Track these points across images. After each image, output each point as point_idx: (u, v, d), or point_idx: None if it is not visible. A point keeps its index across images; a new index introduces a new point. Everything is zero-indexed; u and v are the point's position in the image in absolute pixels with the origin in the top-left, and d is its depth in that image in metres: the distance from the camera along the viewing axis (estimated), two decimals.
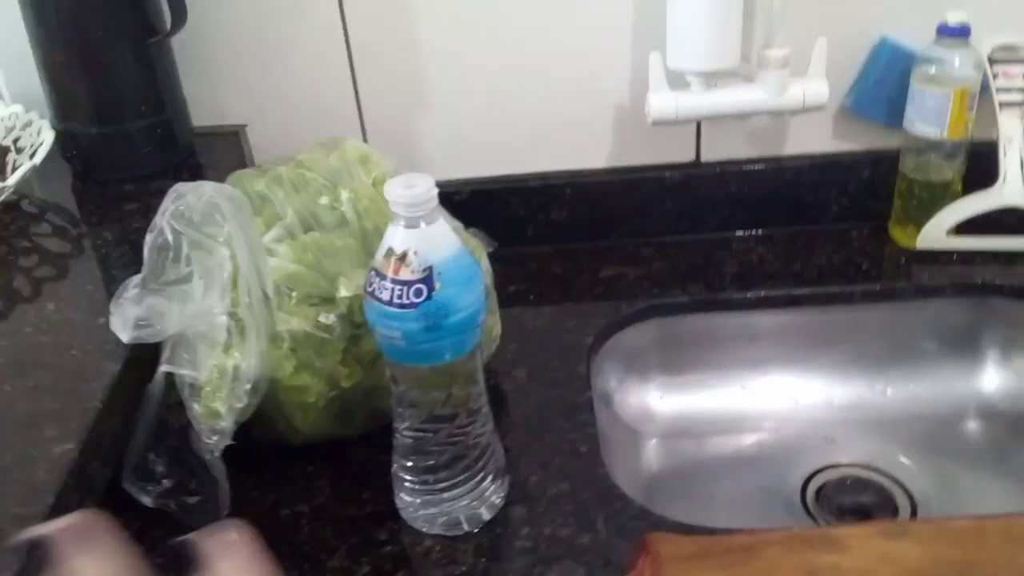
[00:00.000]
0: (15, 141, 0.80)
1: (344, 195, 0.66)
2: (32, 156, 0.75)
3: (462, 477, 0.63)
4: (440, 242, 0.56)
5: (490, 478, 0.64)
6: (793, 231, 0.96)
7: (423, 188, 0.54)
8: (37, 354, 0.59)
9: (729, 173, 0.94)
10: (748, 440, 0.89)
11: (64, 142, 0.80)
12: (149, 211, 0.62)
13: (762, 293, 0.89)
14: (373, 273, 0.57)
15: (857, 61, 0.88)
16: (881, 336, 0.91)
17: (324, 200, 0.66)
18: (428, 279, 0.55)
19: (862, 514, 0.82)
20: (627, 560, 0.62)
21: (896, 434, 0.88)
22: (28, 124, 0.80)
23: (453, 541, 0.64)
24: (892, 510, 0.82)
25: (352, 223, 0.65)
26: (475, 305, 0.58)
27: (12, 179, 0.72)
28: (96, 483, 0.53)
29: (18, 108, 0.81)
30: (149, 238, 0.56)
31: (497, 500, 0.66)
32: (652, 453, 0.88)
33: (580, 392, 0.77)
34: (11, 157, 0.78)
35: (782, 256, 0.93)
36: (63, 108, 0.79)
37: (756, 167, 0.94)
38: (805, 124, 0.91)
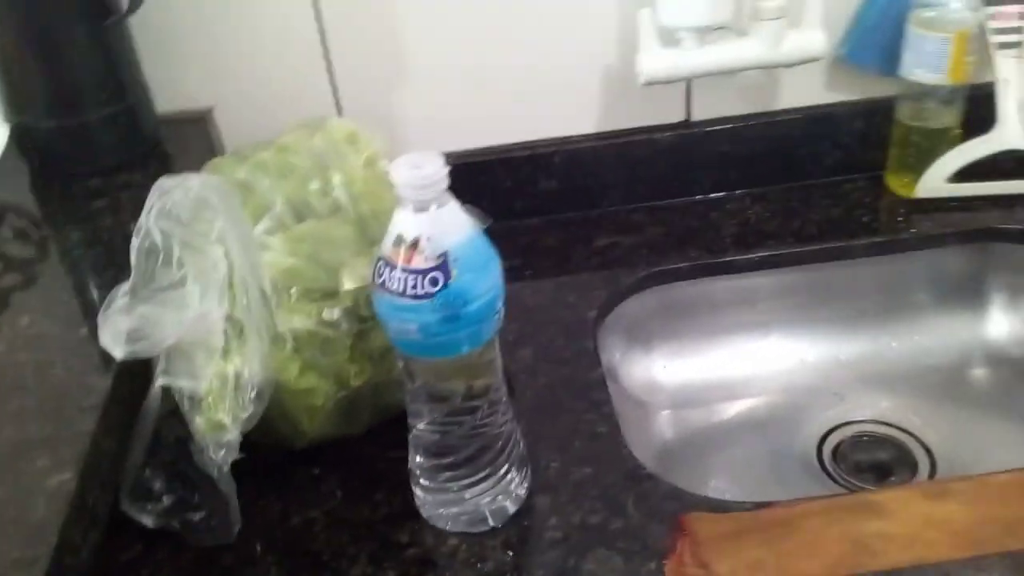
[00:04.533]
0: None
1: (336, 179, 0.61)
2: None
3: (486, 471, 0.60)
4: (454, 225, 0.52)
5: (514, 469, 0.61)
6: (788, 188, 0.93)
7: (432, 168, 0.50)
8: (17, 375, 0.54)
9: (720, 132, 0.90)
10: (759, 404, 0.87)
11: (20, 137, 0.74)
12: (118, 207, 0.57)
13: (762, 254, 0.86)
14: (382, 263, 0.53)
15: (850, 8, 0.85)
16: (883, 289, 0.89)
17: (314, 185, 0.61)
18: (444, 266, 0.51)
19: (881, 470, 0.81)
20: (665, 543, 0.60)
21: (906, 387, 0.86)
22: None
23: (479, 538, 0.61)
24: (911, 464, 0.80)
25: (347, 209, 0.61)
26: (494, 291, 0.54)
27: None
28: (99, 513, 0.49)
29: None
30: (135, 241, 0.51)
31: (521, 492, 0.63)
32: (663, 425, 0.86)
33: (590, 369, 0.74)
34: None
35: (779, 214, 0.90)
36: (17, 100, 0.73)
37: (748, 124, 0.90)
38: (798, 77, 0.88)
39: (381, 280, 0.53)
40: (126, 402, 0.54)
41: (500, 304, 0.55)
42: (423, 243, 0.51)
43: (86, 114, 0.73)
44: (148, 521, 0.59)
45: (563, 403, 0.71)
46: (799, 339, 0.90)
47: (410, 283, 0.51)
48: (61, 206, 0.73)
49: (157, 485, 0.59)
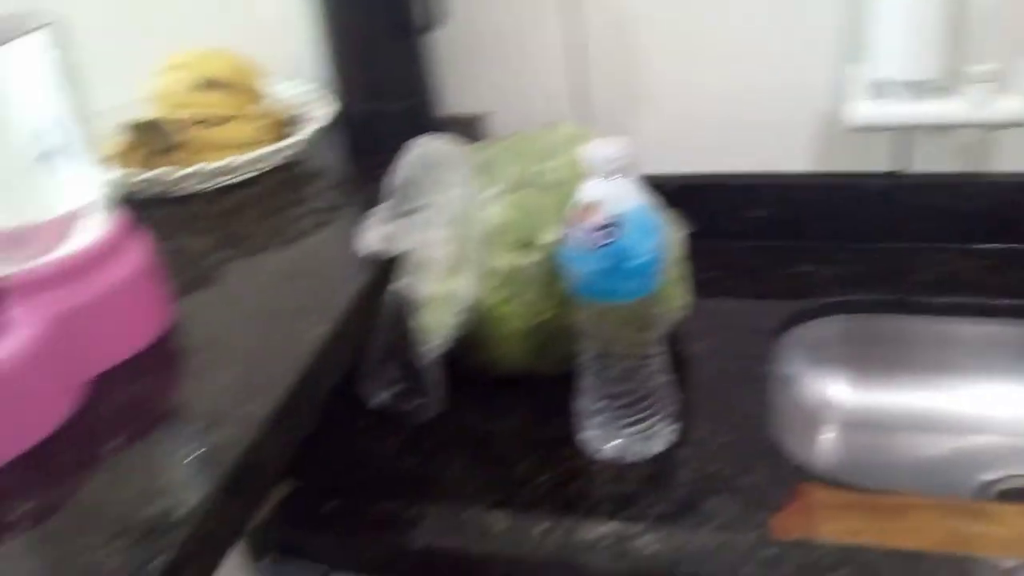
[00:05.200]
0: (305, 112, 0.99)
1: (553, 164, 0.77)
2: (315, 125, 0.93)
3: (634, 411, 0.71)
4: (626, 195, 0.66)
5: (659, 417, 0.73)
6: (998, 249, 0.96)
7: (614, 148, 0.65)
8: (305, 268, 0.75)
9: (933, 186, 0.96)
10: (930, 442, 0.91)
11: (343, 117, 0.97)
12: None
13: (957, 299, 0.90)
14: (569, 220, 0.68)
15: None
16: None
17: (537, 167, 0.78)
18: (613, 226, 0.65)
19: None
20: (781, 502, 0.68)
21: None
22: (316, 100, 0.99)
23: (624, 466, 0.72)
24: None
25: (557, 187, 0.77)
26: (653, 253, 0.67)
27: (296, 139, 0.90)
28: (341, 359, 0.67)
29: (309, 87, 1.00)
30: (396, 174, 0.70)
31: (667, 437, 0.73)
32: (828, 442, 0.92)
33: (758, 366, 0.83)
34: (300, 125, 0.97)
35: (983, 269, 0.93)
36: (342, 89, 0.96)
37: (962, 181, 0.95)
38: (1017, 141, 0.92)
39: (566, 233, 0.68)
40: (374, 295, 0.73)
41: (658, 267, 0.68)
42: (600, 206, 0.65)
43: (390, 104, 0.95)
44: (380, 401, 0.76)
45: (727, 386, 0.81)
46: (987, 388, 0.92)
47: (586, 237, 0.66)
48: (361, 172, 0.96)
49: (391, 374, 0.76)
